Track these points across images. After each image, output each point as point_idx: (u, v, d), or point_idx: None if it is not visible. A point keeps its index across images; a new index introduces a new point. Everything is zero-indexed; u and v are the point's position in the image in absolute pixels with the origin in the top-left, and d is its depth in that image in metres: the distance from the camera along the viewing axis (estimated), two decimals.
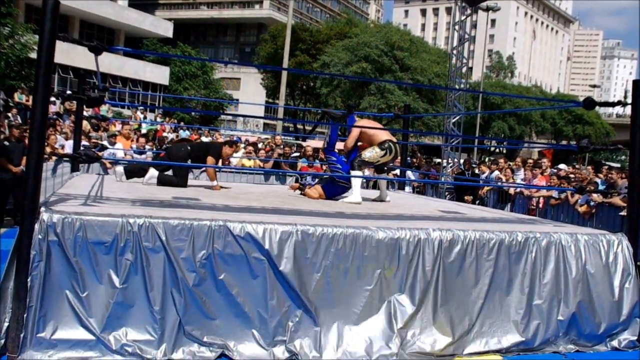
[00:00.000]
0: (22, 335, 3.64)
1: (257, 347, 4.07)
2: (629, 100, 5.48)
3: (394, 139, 7.15)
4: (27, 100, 16.50)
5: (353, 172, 6.96)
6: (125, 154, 10.75)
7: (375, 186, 10.71)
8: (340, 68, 35.13)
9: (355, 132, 7.14)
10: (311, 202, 6.52)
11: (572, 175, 13.14)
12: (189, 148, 7.28)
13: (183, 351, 3.92)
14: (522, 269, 4.78)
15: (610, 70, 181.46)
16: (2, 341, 3.65)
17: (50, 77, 3.92)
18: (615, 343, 4.96)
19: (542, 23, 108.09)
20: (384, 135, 7.08)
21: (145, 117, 20.86)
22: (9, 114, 14.35)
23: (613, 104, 6.20)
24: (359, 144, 7.18)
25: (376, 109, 31.70)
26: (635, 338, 5.03)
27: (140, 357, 3.81)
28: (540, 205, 10.79)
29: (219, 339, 4.04)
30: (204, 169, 8.50)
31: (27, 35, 22.99)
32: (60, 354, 3.71)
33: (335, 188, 7.13)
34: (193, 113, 39.57)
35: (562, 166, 12.92)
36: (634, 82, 5.49)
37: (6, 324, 3.68)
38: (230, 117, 49.70)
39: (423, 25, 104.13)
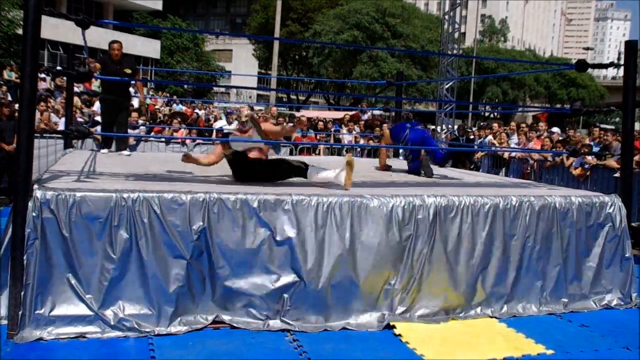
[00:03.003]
0: (20, 313, 3.66)
1: (253, 319, 4.10)
2: (622, 61, 5.45)
3: None
4: (17, 78, 16.32)
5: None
6: None
7: (376, 154, 10.64)
8: (331, 36, 34.75)
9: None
10: None
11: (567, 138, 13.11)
12: None
13: (180, 323, 3.95)
14: (517, 232, 4.81)
15: (603, 32, 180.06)
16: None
17: (37, 52, 3.87)
18: (607, 302, 5.04)
19: None
20: None
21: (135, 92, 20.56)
22: None
23: (605, 66, 6.16)
24: None
25: (369, 78, 31.48)
26: (627, 296, 5.11)
27: (138, 331, 3.84)
28: (535, 168, 10.80)
29: (215, 310, 4.07)
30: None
31: (14, 10, 22.62)
32: (59, 330, 3.74)
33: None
34: (186, 86, 39.27)
35: (555, 129, 12.88)
36: (626, 42, 5.45)
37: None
38: (223, 89, 49.33)
39: None
